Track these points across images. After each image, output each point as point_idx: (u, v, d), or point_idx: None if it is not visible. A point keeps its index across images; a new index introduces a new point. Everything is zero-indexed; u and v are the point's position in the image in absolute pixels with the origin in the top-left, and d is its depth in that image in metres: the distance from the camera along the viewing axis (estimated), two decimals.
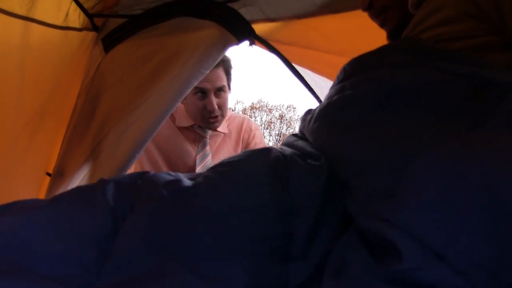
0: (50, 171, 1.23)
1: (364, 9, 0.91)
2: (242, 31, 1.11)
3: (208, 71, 1.08)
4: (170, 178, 0.62)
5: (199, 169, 1.53)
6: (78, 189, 0.62)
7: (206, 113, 1.47)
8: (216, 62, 1.09)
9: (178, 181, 0.60)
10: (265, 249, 0.51)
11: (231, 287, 0.48)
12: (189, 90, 1.07)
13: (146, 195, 0.58)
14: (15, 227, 0.52)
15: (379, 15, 0.89)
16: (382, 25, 0.90)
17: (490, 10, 0.64)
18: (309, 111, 0.75)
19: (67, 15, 1.03)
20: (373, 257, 0.43)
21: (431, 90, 0.54)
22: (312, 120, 0.68)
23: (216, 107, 1.46)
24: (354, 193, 0.53)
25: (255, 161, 0.62)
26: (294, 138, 0.74)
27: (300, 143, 0.70)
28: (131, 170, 1.62)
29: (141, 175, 0.64)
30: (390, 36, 0.91)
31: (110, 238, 0.52)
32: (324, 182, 0.57)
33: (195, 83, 1.07)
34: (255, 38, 1.19)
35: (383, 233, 0.43)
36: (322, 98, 1.67)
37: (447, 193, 0.40)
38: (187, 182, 0.60)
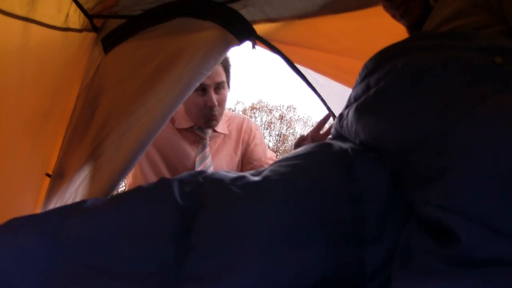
0: (50, 172, 1.23)
1: (384, 2, 0.90)
2: (243, 32, 1.10)
3: (209, 72, 1.08)
4: (234, 175, 0.64)
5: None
6: (140, 189, 0.63)
7: (207, 110, 1.46)
8: (218, 63, 1.09)
9: (244, 177, 0.62)
10: (337, 234, 0.52)
11: (307, 274, 0.48)
12: (191, 91, 1.06)
13: (215, 191, 0.59)
14: (92, 229, 0.53)
15: (399, 6, 0.88)
16: (402, 16, 0.90)
17: (493, 1, 0.66)
18: (341, 116, 0.75)
19: (67, 16, 1.03)
20: (435, 242, 0.44)
21: (452, 65, 0.55)
22: (349, 121, 0.69)
23: (216, 103, 1.45)
24: (405, 181, 0.54)
25: (321, 153, 0.65)
26: (333, 141, 0.75)
27: (344, 144, 0.71)
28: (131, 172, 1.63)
29: (201, 173, 0.66)
30: (410, 28, 0.91)
31: (184, 235, 0.54)
32: (389, 169, 0.58)
33: (197, 84, 1.07)
34: (256, 39, 1.18)
35: (439, 219, 0.43)
36: (324, 97, 1.67)
37: (496, 162, 0.40)
38: (253, 177, 0.62)
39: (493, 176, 0.40)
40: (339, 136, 0.75)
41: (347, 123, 0.69)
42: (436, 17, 0.76)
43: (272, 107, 18.59)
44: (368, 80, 0.68)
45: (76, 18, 1.09)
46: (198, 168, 1.52)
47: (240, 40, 1.09)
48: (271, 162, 1.65)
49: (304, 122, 18.68)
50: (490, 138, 0.42)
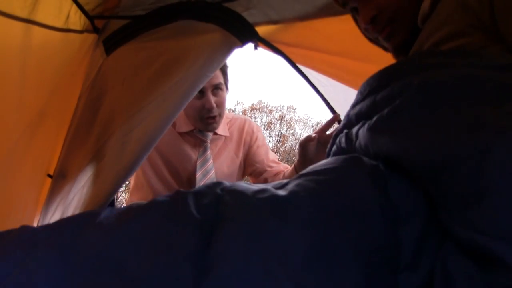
0: (51, 173, 1.23)
1: (367, 24, 0.83)
2: (246, 34, 1.10)
3: (213, 74, 1.08)
4: (255, 187, 0.59)
5: (199, 175, 1.51)
6: (155, 203, 0.59)
7: (205, 112, 1.45)
8: (221, 65, 1.09)
9: (267, 190, 0.56)
10: (371, 258, 0.48)
11: None
12: (194, 93, 1.06)
13: (237, 205, 0.55)
14: (104, 248, 0.51)
15: (383, 29, 0.82)
16: (386, 39, 0.84)
17: (486, 20, 0.63)
18: (347, 136, 0.70)
19: (68, 17, 1.03)
20: (476, 267, 0.41)
21: (473, 83, 0.52)
22: (361, 141, 0.64)
23: (214, 105, 1.45)
24: (439, 203, 0.50)
25: (353, 167, 0.59)
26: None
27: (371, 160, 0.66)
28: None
29: (218, 185, 0.62)
30: (396, 52, 0.85)
31: (202, 252, 0.50)
32: (421, 189, 0.54)
33: (201, 86, 1.07)
34: (258, 40, 1.18)
35: (483, 245, 0.40)
36: (326, 96, 1.67)
37: None
38: (278, 191, 0.57)
39: None
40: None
41: (360, 145, 0.64)
42: (429, 38, 0.71)
43: (272, 107, 18.61)
44: (373, 98, 0.65)
45: (76, 19, 1.09)
46: (199, 171, 1.52)
47: (242, 42, 1.09)
48: (273, 164, 1.65)
49: (304, 123, 18.70)
50: None
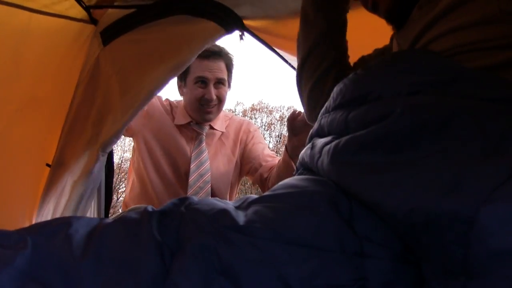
0: (50, 162, 1.24)
1: None
2: (230, 23, 1.18)
3: (195, 57, 1.15)
4: (217, 208, 0.55)
5: (193, 166, 1.54)
6: (122, 220, 0.57)
7: (204, 101, 1.50)
8: (204, 48, 1.16)
9: (226, 213, 0.53)
10: None
11: None
12: (180, 71, 1.16)
13: (193, 229, 0.52)
14: (67, 262, 0.50)
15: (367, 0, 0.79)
16: (372, 10, 0.80)
17: None
18: (312, 147, 0.64)
19: (64, 3, 1.03)
20: None
21: (466, 122, 0.45)
22: (324, 164, 0.57)
23: (214, 97, 1.50)
24: (420, 258, 0.44)
25: (316, 197, 0.54)
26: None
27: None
28: (130, 174, 1.64)
29: (184, 201, 0.59)
30: (389, 21, 0.79)
31: (160, 279, 0.48)
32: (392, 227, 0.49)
33: (187, 64, 1.16)
34: (243, 30, 1.23)
35: None
36: None
37: None
38: (238, 216, 0.53)
39: None
40: (309, 167, 0.64)
41: (322, 165, 0.58)
42: (428, 30, 0.62)
43: (272, 108, 18.62)
44: (345, 115, 0.58)
45: (72, 7, 1.09)
46: (193, 163, 1.54)
47: (227, 30, 1.17)
48: (269, 158, 1.65)
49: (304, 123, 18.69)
50: None
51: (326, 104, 0.66)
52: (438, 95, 0.50)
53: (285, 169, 1.44)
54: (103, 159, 1.18)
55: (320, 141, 0.62)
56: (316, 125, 0.68)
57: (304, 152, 0.68)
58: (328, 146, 0.58)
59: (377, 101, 0.54)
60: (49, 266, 0.50)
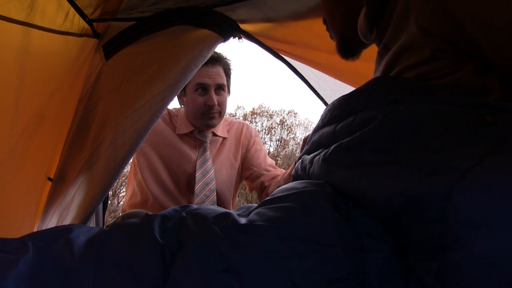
0: (52, 176, 1.23)
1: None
2: (228, 29, 1.19)
3: (198, 67, 1.15)
4: (218, 212, 0.57)
5: (198, 174, 1.53)
6: (123, 225, 0.59)
7: (206, 108, 1.50)
8: (206, 59, 1.16)
9: (228, 216, 0.55)
10: None
11: None
12: (182, 85, 1.13)
13: (195, 230, 0.54)
14: (68, 269, 0.51)
15: (327, 30, 0.91)
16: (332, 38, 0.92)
17: (457, 41, 0.60)
18: (303, 162, 0.69)
19: (65, 20, 1.03)
20: None
21: (440, 122, 0.50)
22: (315, 170, 0.63)
23: (216, 103, 1.50)
24: (403, 243, 0.48)
25: (314, 195, 0.57)
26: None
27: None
28: (130, 180, 1.63)
29: (185, 208, 0.61)
30: (339, 52, 0.92)
31: (162, 281, 0.49)
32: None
33: (188, 79, 1.13)
34: (240, 33, 1.25)
35: None
36: (327, 100, 1.68)
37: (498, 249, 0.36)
38: (239, 218, 0.55)
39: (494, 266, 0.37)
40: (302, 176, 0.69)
41: (313, 172, 0.63)
42: (392, 67, 0.69)
43: (272, 112, 18.61)
44: (333, 127, 0.63)
45: (75, 23, 1.09)
46: (199, 171, 1.53)
47: (225, 38, 1.18)
48: (270, 168, 1.65)
49: (305, 127, 18.70)
50: (492, 212, 0.38)
51: (315, 126, 0.73)
52: (416, 103, 0.56)
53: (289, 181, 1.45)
54: None
55: (310, 155, 0.68)
56: (307, 145, 0.74)
57: (295, 168, 0.74)
58: (318, 156, 0.64)
59: (362, 111, 0.60)
60: (51, 269, 0.50)
